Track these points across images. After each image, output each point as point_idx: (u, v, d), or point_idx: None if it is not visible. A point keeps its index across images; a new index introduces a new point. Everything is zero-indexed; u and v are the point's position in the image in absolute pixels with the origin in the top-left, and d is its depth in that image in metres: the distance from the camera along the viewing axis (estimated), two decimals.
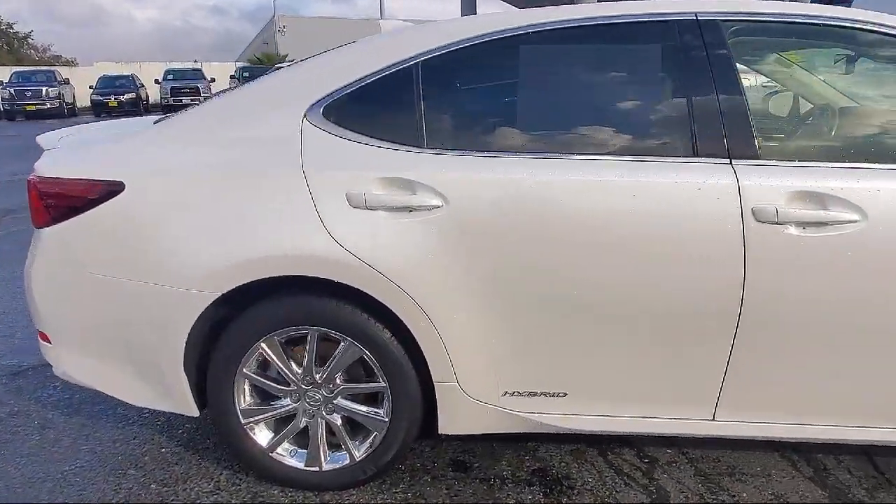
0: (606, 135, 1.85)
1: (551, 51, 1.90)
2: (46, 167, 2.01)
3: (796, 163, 1.77)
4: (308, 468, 2.07)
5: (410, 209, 1.82)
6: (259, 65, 30.26)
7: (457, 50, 1.90)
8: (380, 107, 1.93)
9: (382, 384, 1.96)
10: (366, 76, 1.92)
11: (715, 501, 2.02)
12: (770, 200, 1.73)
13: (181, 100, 21.94)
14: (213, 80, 24.79)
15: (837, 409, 1.89)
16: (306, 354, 1.98)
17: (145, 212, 1.91)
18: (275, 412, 2.05)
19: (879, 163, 1.77)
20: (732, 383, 1.87)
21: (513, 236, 1.79)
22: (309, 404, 2.02)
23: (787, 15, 1.87)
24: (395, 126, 1.90)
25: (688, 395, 1.91)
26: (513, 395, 1.95)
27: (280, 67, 2.82)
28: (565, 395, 1.94)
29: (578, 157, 1.81)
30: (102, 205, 1.93)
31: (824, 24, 1.83)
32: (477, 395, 1.94)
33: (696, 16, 1.87)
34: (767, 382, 1.87)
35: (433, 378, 1.92)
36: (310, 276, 1.85)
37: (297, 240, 1.83)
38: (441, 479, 2.15)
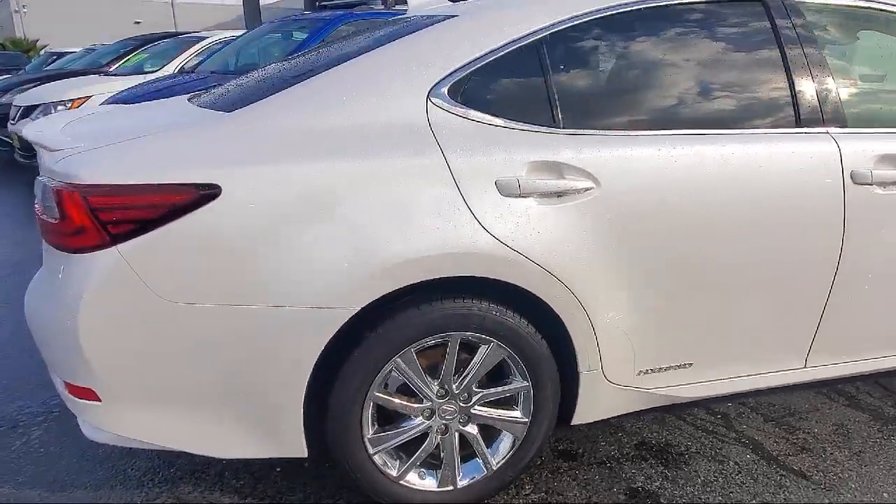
0: (731, 109, 1.91)
1: (681, 26, 1.91)
2: (96, 172, 1.53)
3: (877, 129, 2.00)
4: (441, 489, 1.87)
5: (559, 194, 1.71)
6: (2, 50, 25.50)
7: (591, 21, 1.82)
8: (510, 84, 1.77)
9: (525, 384, 1.83)
10: (492, 51, 1.75)
11: (797, 439, 2.23)
12: (863, 164, 1.93)
13: None
14: None
15: None
16: (444, 364, 1.77)
17: (251, 220, 1.55)
18: (405, 435, 1.81)
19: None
20: (822, 331, 2.07)
21: (661, 214, 1.78)
22: (443, 418, 1.82)
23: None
24: (528, 105, 1.76)
25: (788, 348, 2.07)
26: (646, 373, 1.95)
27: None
28: (691, 365, 1.99)
29: (711, 132, 1.84)
30: (191, 214, 1.53)
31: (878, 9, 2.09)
32: (616, 379, 1.90)
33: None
34: (850, 326, 2.09)
35: (580, 368, 1.85)
36: (461, 275, 1.66)
37: (448, 237, 1.63)
38: (560, 471, 2.08)
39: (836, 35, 2.07)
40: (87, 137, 1.70)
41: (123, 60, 8.50)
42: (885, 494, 1.97)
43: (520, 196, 1.68)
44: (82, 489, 2.03)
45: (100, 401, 1.64)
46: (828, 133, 1.94)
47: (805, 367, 2.12)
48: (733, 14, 1.94)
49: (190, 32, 8.84)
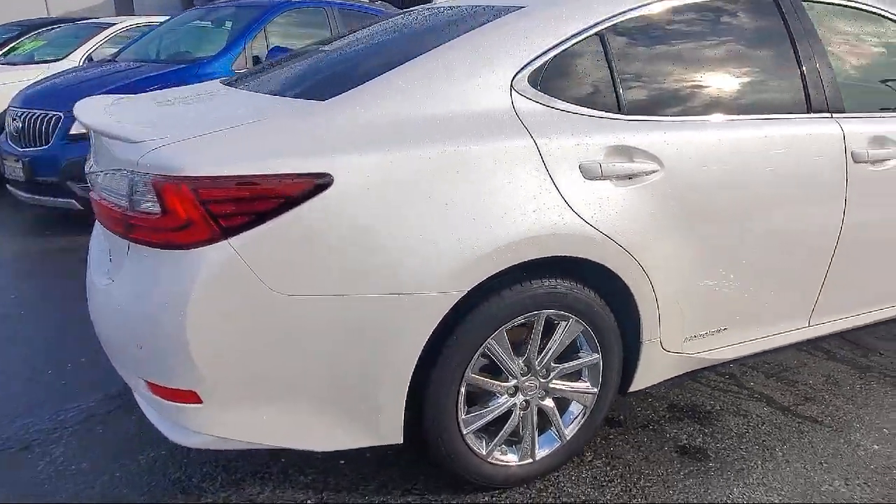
0: (763, 97, 2.11)
1: (715, 20, 2.08)
2: (205, 163, 1.46)
3: (868, 114, 2.29)
4: (522, 462, 1.95)
5: (630, 176, 1.84)
6: None
7: (642, 15, 1.95)
8: (580, 72, 1.86)
9: (595, 356, 1.95)
10: (563, 41, 1.84)
11: (799, 391, 2.51)
12: (860, 145, 2.21)
13: None
14: None
15: (890, 297, 2.52)
16: (529, 343, 1.85)
17: (361, 209, 1.54)
18: (492, 413, 1.87)
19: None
20: (824, 293, 2.34)
21: (710, 192, 1.95)
22: (525, 395, 1.90)
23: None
24: (596, 92, 1.87)
25: (798, 309, 2.33)
26: (691, 339, 2.13)
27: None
28: (725, 329, 2.19)
29: (750, 117, 2.04)
30: (304, 205, 1.50)
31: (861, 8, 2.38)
32: (669, 346, 2.06)
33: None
34: (845, 287, 2.39)
35: (643, 338, 1.99)
36: (553, 256, 1.74)
37: (543, 220, 1.70)
38: (611, 437, 2.22)
39: (832, 30, 2.34)
40: (168, 128, 1.61)
41: (8, 48, 7.73)
42: (884, 430, 2.28)
43: (601, 179, 1.79)
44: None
45: (201, 402, 1.57)
46: (832, 118, 2.20)
47: (809, 325, 2.39)
48: (758, 12, 2.15)
49: (87, 19, 8.15)
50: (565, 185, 1.74)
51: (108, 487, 1.98)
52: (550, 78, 1.82)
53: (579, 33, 1.87)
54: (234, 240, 1.48)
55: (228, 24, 5.53)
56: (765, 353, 2.35)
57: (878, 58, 2.45)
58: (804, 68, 2.18)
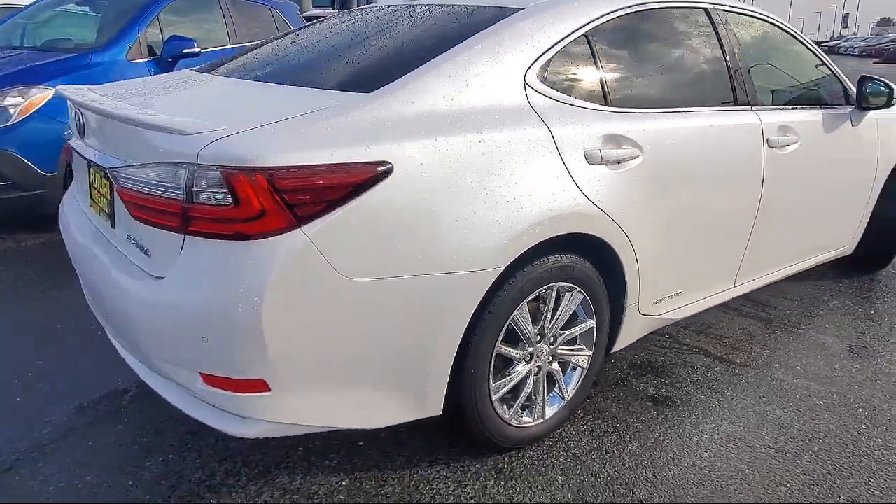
0: (705, 91, 2.47)
1: (672, 26, 2.39)
2: (278, 153, 1.49)
3: (772, 107, 2.74)
4: (535, 422, 2.14)
5: (620, 161, 2.10)
6: None
7: (617, 18, 2.22)
8: (575, 69, 2.08)
9: (591, 322, 2.20)
10: (560, 40, 2.05)
11: (725, 343, 2.94)
12: (772, 132, 2.66)
13: None
14: None
15: (796, 256, 3.03)
16: (544, 313, 2.05)
17: (416, 195, 1.65)
18: (514, 380, 2.04)
19: (806, 104, 2.88)
20: (747, 257, 2.78)
21: (676, 172, 2.27)
22: (538, 361, 2.10)
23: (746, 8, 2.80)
24: (588, 86, 2.10)
25: (729, 273, 2.74)
26: (658, 302, 2.44)
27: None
28: (680, 293, 2.54)
29: (702, 109, 2.39)
30: (369, 192, 1.58)
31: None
32: (643, 310, 2.37)
33: (708, 5, 2.62)
34: (761, 250, 2.84)
35: (627, 303, 2.27)
36: (568, 233, 1.95)
37: (561, 201, 1.91)
38: (593, 397, 2.48)
39: (746, 38, 2.76)
40: (216, 119, 1.59)
41: None
42: (797, 367, 2.76)
43: (599, 164, 2.03)
44: None
45: (269, 390, 1.60)
46: (752, 110, 2.62)
47: (734, 286, 2.83)
48: (697, 23, 2.52)
49: None
50: (575, 170, 1.96)
51: (128, 498, 1.90)
52: (552, 74, 2.03)
53: (571, 34, 2.09)
54: (307, 227, 1.52)
55: (109, 10, 5.13)
56: (703, 312, 2.75)
57: (778, 60, 2.93)
58: (731, 68, 2.58)
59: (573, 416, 2.35)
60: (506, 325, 1.93)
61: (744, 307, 3.34)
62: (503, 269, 1.81)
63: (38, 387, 2.45)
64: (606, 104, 2.13)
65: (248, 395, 1.60)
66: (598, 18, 2.18)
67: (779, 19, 2.92)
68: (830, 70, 3.17)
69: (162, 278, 1.61)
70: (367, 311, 1.64)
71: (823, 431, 2.32)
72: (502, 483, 2.00)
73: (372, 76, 1.84)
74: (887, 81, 3.13)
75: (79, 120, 1.94)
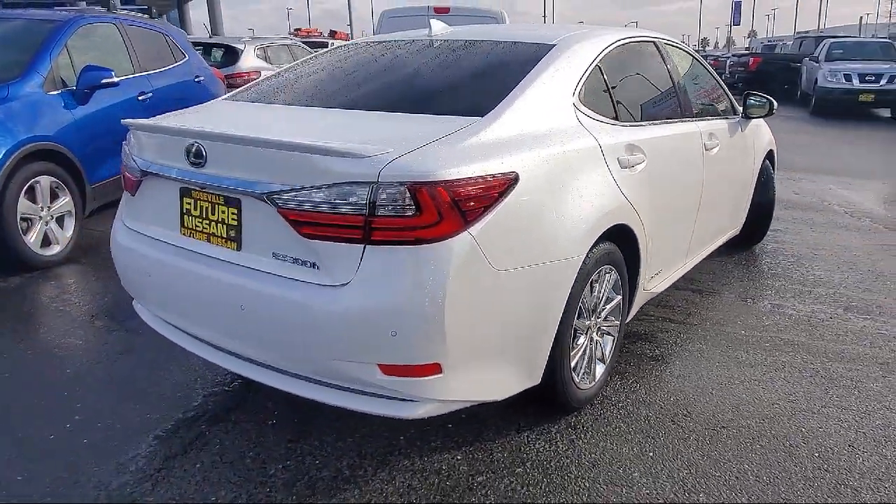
0: (671, 107, 3.08)
1: (642, 56, 2.95)
2: (445, 168, 1.81)
3: (703, 118, 3.45)
4: (590, 385, 2.57)
5: (635, 165, 2.62)
6: None
7: (613, 50, 2.74)
8: (596, 91, 2.56)
9: (619, 297, 2.68)
10: (585, 69, 2.51)
11: (679, 310, 3.60)
12: (706, 138, 3.36)
13: None
14: None
15: (716, 237, 3.77)
16: (596, 291, 2.49)
17: (533, 198, 2.04)
18: (579, 350, 2.45)
19: (716, 116, 3.64)
20: (693, 238, 3.45)
21: (665, 170, 2.85)
22: (591, 332, 2.53)
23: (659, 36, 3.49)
24: (605, 105, 2.59)
25: (683, 253, 3.39)
26: (651, 279, 3.00)
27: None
28: (661, 271, 3.12)
29: (671, 121, 3.00)
30: (507, 197, 1.93)
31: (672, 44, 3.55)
32: (645, 286, 2.90)
33: (655, 39, 3.25)
34: (701, 231, 3.53)
35: (639, 282, 2.78)
36: (614, 224, 2.42)
37: (612, 198, 2.39)
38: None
39: (679, 65, 3.45)
40: (373, 143, 1.83)
41: None
42: (739, 322, 3.47)
43: (626, 168, 2.53)
44: None
45: (441, 372, 1.86)
46: (693, 121, 3.30)
47: (685, 264, 3.49)
48: (654, 54, 3.15)
49: None
50: (615, 174, 2.44)
51: (274, 500, 2.02)
52: (584, 97, 2.50)
53: (591, 64, 2.58)
54: (471, 229, 1.83)
55: (9, 41, 4.75)
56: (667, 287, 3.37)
57: (695, 82, 3.67)
58: (678, 88, 3.24)
59: (606, 380, 2.81)
60: (579, 303, 2.35)
61: (679, 283, 4.05)
62: (585, 255, 2.23)
63: (106, 424, 2.41)
64: (617, 119, 2.64)
65: (423, 378, 1.85)
66: (603, 51, 2.69)
67: (692, 50, 3.67)
68: (723, 89, 4.00)
69: (343, 285, 1.81)
70: (509, 297, 1.97)
71: (774, 362, 3.01)
72: (583, 436, 2.40)
73: (472, 103, 2.18)
74: (764, 95, 4.02)
75: (193, 149, 2.03)
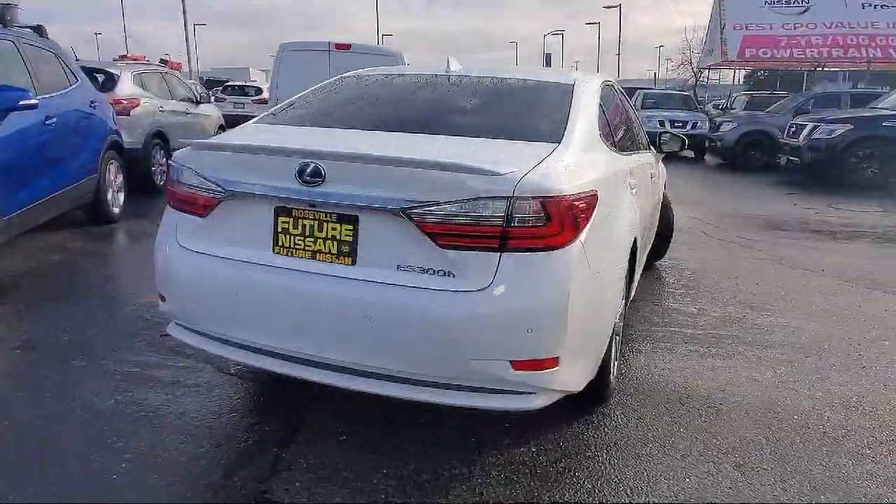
0: (634, 138, 3.60)
1: (613, 94, 3.45)
2: (563, 185, 2.11)
3: (648, 150, 4.04)
4: (613, 378, 2.92)
5: (633, 186, 3.07)
6: None
7: (604, 91, 3.19)
8: (603, 126, 2.98)
9: (624, 300, 3.09)
10: (596, 107, 2.92)
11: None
12: (651, 167, 3.95)
13: None
14: None
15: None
16: (627, 290, 2.87)
17: (607, 208, 2.38)
18: (615, 347, 2.80)
19: (646, 149, 4.27)
20: (648, 249, 4.01)
21: (642, 191, 3.35)
22: (618, 329, 2.89)
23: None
24: (609, 137, 3.02)
25: (644, 261, 3.92)
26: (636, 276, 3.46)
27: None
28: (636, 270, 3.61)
29: (636, 152, 3.53)
30: (595, 209, 2.24)
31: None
32: (632, 291, 3.36)
33: (612, 81, 3.79)
34: (650, 243, 4.10)
35: (633, 286, 3.22)
36: (635, 236, 2.84)
37: (635, 212, 2.84)
38: None
39: (627, 105, 4.02)
40: (490, 161, 2.05)
41: None
42: (676, 328, 4.06)
43: (631, 189, 2.97)
44: None
45: (558, 365, 2.10)
46: (645, 152, 3.88)
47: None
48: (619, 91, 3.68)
49: None
50: (631, 191, 2.88)
51: (402, 499, 2.10)
52: (601, 129, 2.90)
53: (596, 101, 3.00)
54: (580, 237, 2.12)
55: None
56: None
57: (635, 118, 4.29)
58: (633, 123, 3.80)
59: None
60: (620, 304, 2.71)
61: None
62: (627, 262, 2.61)
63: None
64: (616, 150, 3.09)
65: (544, 371, 2.08)
66: (599, 91, 3.13)
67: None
68: (644, 127, 4.70)
69: (481, 290, 1.99)
70: (597, 295, 2.28)
71: (725, 353, 3.61)
72: (622, 418, 2.74)
73: (543, 131, 2.51)
74: (676, 133, 4.76)
75: (308, 168, 2.08)
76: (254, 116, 14.70)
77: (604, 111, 3.09)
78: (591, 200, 2.21)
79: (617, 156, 2.98)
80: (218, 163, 2.28)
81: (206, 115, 9.95)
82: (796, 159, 11.50)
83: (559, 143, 2.41)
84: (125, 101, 7.45)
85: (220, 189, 2.24)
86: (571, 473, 2.34)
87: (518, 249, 2.01)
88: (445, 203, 2.00)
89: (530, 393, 2.13)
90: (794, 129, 11.76)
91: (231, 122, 12.85)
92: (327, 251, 2.14)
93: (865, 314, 4.33)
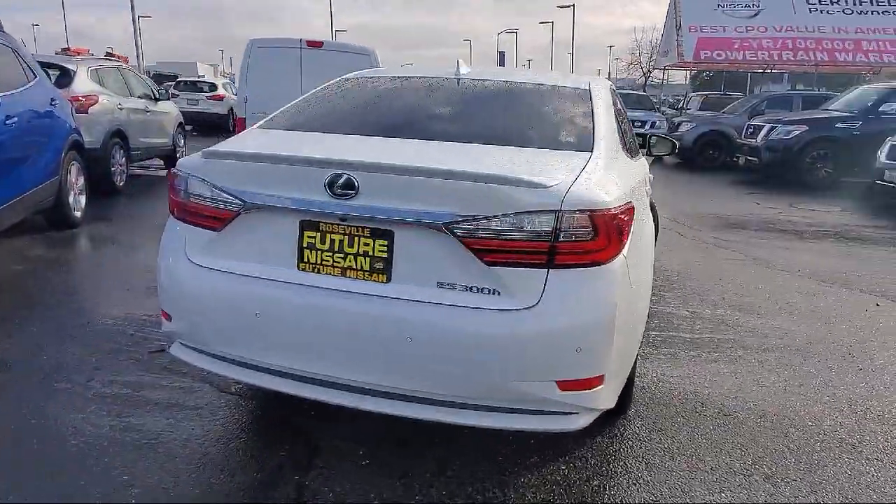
0: (633, 144, 3.56)
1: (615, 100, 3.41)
2: (606, 198, 2.02)
3: (636, 156, 4.03)
4: None
5: (648, 193, 3.04)
6: None
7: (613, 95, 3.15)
8: (617, 131, 2.93)
9: None
10: (612, 116, 2.87)
11: None
12: (647, 170, 3.94)
13: None
14: None
15: None
16: None
17: (638, 218, 2.32)
18: None
19: (637, 153, 4.27)
20: None
21: (635, 187, 3.32)
22: None
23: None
24: (623, 142, 2.97)
25: None
26: None
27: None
28: None
29: (638, 156, 3.49)
30: (632, 221, 2.18)
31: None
32: None
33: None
34: None
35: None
36: None
37: (651, 220, 2.77)
38: None
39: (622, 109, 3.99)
40: (531, 172, 1.98)
41: None
42: (673, 332, 4.07)
43: (647, 195, 2.93)
44: None
45: (602, 384, 2.03)
46: (642, 156, 3.86)
47: None
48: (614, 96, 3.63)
49: None
50: (645, 198, 2.84)
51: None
52: (618, 135, 2.85)
53: (612, 107, 2.95)
54: (624, 251, 2.05)
55: None
56: None
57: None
58: (628, 127, 3.78)
59: None
60: None
61: None
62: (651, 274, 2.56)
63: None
64: (629, 155, 3.04)
65: (590, 390, 2.01)
66: (611, 94, 3.09)
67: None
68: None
69: (528, 308, 1.89)
70: (636, 309, 2.22)
71: (726, 358, 3.63)
72: (643, 430, 2.70)
73: (572, 139, 2.43)
74: (665, 136, 4.77)
75: (340, 180, 1.94)
76: (211, 113, 14.58)
77: (616, 116, 3.04)
78: (631, 212, 2.15)
79: (631, 162, 2.94)
80: (234, 173, 2.11)
81: (165, 112, 9.54)
82: (755, 159, 11.81)
83: (591, 151, 2.34)
84: (83, 99, 7.06)
85: (237, 201, 2.08)
86: (607, 493, 2.28)
87: (566, 265, 1.93)
88: (487, 217, 1.90)
89: (573, 413, 2.06)
90: (751, 130, 12.08)
91: (187, 119, 12.45)
92: (359, 267, 2.01)
93: (848, 316, 4.43)
